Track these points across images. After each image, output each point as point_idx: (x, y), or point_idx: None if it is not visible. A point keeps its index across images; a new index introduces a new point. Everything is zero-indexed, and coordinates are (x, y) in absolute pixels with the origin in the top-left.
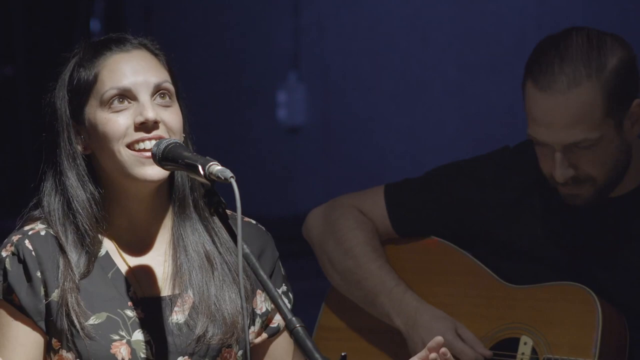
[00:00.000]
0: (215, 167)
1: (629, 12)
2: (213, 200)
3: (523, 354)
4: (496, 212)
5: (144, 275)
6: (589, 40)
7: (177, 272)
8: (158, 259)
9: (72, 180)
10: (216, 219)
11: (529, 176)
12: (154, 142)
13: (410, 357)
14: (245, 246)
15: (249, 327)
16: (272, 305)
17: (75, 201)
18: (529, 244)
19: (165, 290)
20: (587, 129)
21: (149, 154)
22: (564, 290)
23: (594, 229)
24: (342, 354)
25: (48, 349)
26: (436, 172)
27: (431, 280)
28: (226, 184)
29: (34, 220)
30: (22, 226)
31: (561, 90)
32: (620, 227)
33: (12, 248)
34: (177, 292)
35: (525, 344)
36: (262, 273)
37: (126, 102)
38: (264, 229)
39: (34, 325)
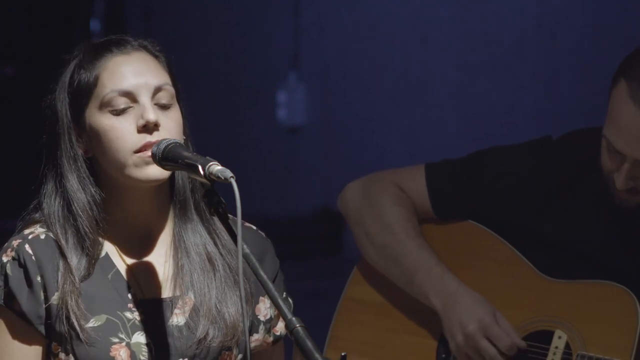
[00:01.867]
0: (215, 167)
1: (629, 12)
2: (213, 201)
3: (556, 347)
4: (536, 202)
5: (144, 276)
6: None
7: (178, 274)
8: (158, 260)
9: (72, 182)
10: (217, 221)
11: (572, 169)
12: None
13: (444, 336)
14: (245, 246)
15: (251, 335)
16: (276, 312)
17: (75, 204)
18: (567, 236)
19: (165, 291)
20: None
21: (149, 153)
22: (604, 289)
23: (637, 228)
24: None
25: (47, 353)
26: (479, 155)
27: (465, 263)
28: (226, 184)
29: (33, 223)
30: (22, 230)
31: None
32: None
33: (13, 253)
34: (177, 293)
35: (559, 338)
36: (262, 273)
37: (127, 105)
38: (264, 235)
39: (35, 332)
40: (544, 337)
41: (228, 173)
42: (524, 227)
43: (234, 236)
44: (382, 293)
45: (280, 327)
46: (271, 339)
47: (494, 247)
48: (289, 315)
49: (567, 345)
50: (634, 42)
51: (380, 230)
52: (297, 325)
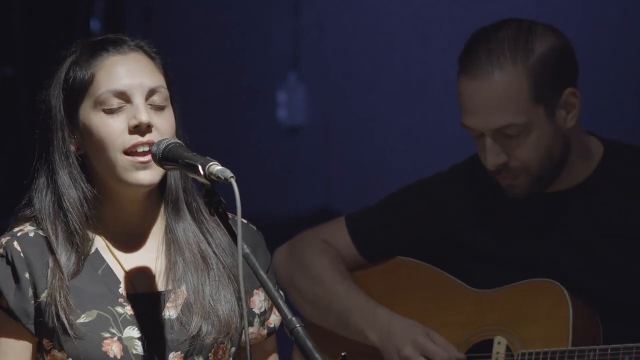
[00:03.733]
0: (215, 167)
1: (629, 12)
2: (213, 200)
3: (498, 353)
4: (456, 223)
5: (135, 271)
6: (519, 28)
7: (171, 269)
8: (149, 255)
9: (64, 178)
10: (210, 221)
11: (479, 185)
12: (146, 145)
13: None
14: (245, 246)
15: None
16: (269, 305)
17: (66, 200)
18: (492, 249)
19: (157, 286)
20: (512, 114)
21: (142, 158)
22: (532, 286)
23: (547, 225)
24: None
25: (39, 350)
26: (390, 197)
27: (401, 298)
28: (226, 184)
29: (23, 221)
30: (12, 228)
31: (485, 75)
32: (578, 220)
33: (1, 250)
34: (170, 287)
35: (499, 343)
36: (262, 273)
37: (121, 105)
38: (255, 228)
39: (23, 328)
40: (485, 347)
41: (228, 173)
42: (449, 248)
43: (233, 236)
44: (327, 347)
45: (273, 320)
46: (265, 331)
47: (424, 276)
48: (289, 315)
49: (509, 348)
50: (634, 42)
51: (309, 284)
52: (297, 325)
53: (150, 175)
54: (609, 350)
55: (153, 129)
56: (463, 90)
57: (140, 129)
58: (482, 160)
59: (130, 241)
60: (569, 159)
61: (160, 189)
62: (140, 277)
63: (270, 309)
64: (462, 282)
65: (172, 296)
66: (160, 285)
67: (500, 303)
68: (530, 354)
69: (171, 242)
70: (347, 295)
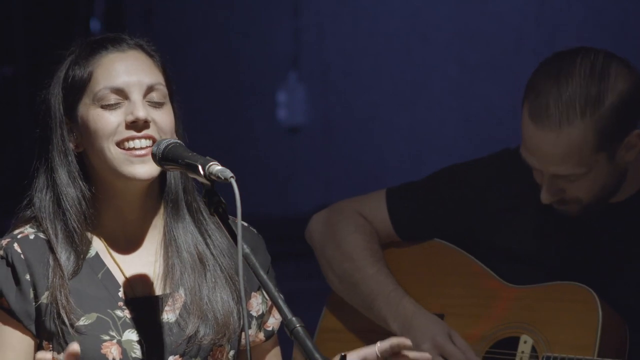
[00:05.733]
0: (215, 167)
1: (629, 12)
2: (213, 200)
3: (523, 352)
4: (496, 217)
5: (134, 275)
6: (592, 70)
7: (169, 272)
8: (148, 258)
9: (62, 177)
10: (209, 221)
11: (527, 181)
12: (143, 141)
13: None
14: (245, 246)
15: (243, 330)
16: (267, 308)
17: (64, 198)
18: (528, 248)
19: (155, 289)
20: (574, 165)
21: (138, 152)
22: (565, 289)
23: (592, 234)
24: (342, 354)
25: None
26: (437, 175)
27: (432, 281)
28: (226, 184)
29: (24, 222)
30: (12, 230)
31: (552, 127)
32: (617, 233)
33: (1, 252)
34: (168, 291)
35: (525, 342)
36: (262, 273)
37: (118, 101)
38: (255, 231)
39: (24, 329)
40: (511, 344)
41: (228, 173)
42: (487, 240)
43: (233, 236)
44: (354, 319)
45: (272, 323)
46: (262, 334)
47: (459, 262)
48: (289, 315)
49: (534, 349)
50: (634, 42)
51: (340, 259)
52: (297, 325)
53: (147, 169)
54: None
55: (151, 124)
56: (527, 132)
57: (137, 125)
58: (537, 180)
59: (129, 243)
60: (622, 185)
61: (159, 188)
62: (139, 281)
63: (269, 312)
64: (494, 274)
65: (170, 300)
66: (159, 289)
67: (531, 301)
68: (555, 358)
69: (169, 244)
70: (376, 280)
